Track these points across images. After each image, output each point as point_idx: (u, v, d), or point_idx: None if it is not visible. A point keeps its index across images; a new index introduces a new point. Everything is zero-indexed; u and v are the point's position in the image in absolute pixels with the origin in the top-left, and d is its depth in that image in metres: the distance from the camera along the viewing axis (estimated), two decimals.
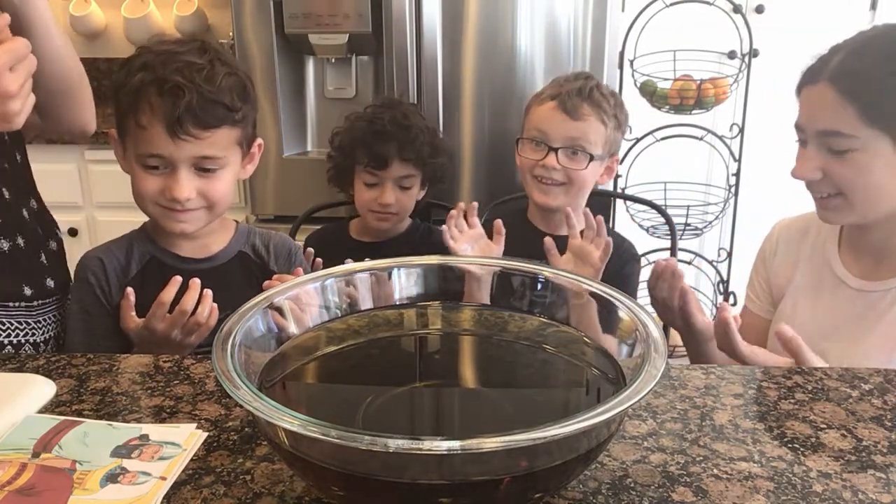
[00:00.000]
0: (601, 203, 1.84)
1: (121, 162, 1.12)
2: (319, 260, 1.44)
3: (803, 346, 0.96)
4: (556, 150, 1.36)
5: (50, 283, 1.13)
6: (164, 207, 1.08)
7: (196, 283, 1.02)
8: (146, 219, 1.17)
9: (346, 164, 1.58)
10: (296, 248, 1.23)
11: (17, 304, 1.07)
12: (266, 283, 1.05)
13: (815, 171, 1.04)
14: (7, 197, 1.09)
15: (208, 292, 1.02)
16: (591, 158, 1.36)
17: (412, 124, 1.52)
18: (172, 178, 1.05)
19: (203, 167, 1.06)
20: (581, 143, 1.36)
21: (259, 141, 1.16)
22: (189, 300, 1.01)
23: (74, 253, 1.20)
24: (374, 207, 1.54)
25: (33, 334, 1.09)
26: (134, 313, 1.04)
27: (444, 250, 1.62)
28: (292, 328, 0.73)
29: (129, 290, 1.05)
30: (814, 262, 1.18)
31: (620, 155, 2.34)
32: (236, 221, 1.23)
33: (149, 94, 1.02)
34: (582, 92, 1.37)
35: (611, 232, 1.48)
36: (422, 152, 1.52)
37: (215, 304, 1.03)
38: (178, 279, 1.02)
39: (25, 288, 1.08)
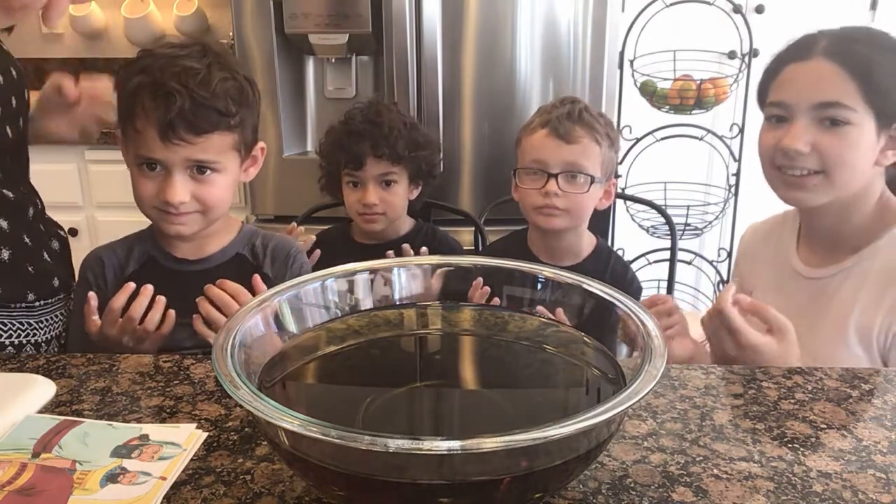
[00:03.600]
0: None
1: (126, 162, 1.13)
2: (317, 252, 1.45)
3: (759, 305, 0.99)
4: (555, 175, 1.35)
5: (56, 282, 1.13)
6: (160, 210, 1.08)
7: (148, 289, 1.02)
8: (148, 219, 1.17)
9: (332, 170, 1.58)
10: (295, 250, 1.23)
11: (18, 304, 1.07)
12: (206, 286, 1.04)
13: (806, 143, 1.06)
14: (12, 197, 1.09)
15: (160, 299, 1.02)
16: (592, 181, 1.36)
17: (384, 121, 1.51)
18: (167, 181, 1.06)
19: (199, 171, 1.06)
20: (579, 167, 1.35)
21: (261, 144, 1.16)
22: (138, 307, 1.01)
23: (75, 253, 1.20)
24: (360, 209, 1.54)
25: (35, 334, 1.09)
26: (96, 317, 1.04)
27: (449, 250, 1.63)
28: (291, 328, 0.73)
29: (91, 294, 1.05)
30: (776, 261, 1.22)
31: (620, 155, 2.35)
32: (243, 223, 1.23)
33: (143, 97, 1.02)
34: (571, 115, 1.36)
35: (616, 260, 1.48)
36: (396, 148, 1.50)
37: (172, 311, 1.03)
38: (131, 286, 1.02)
39: (29, 294, 1.08)
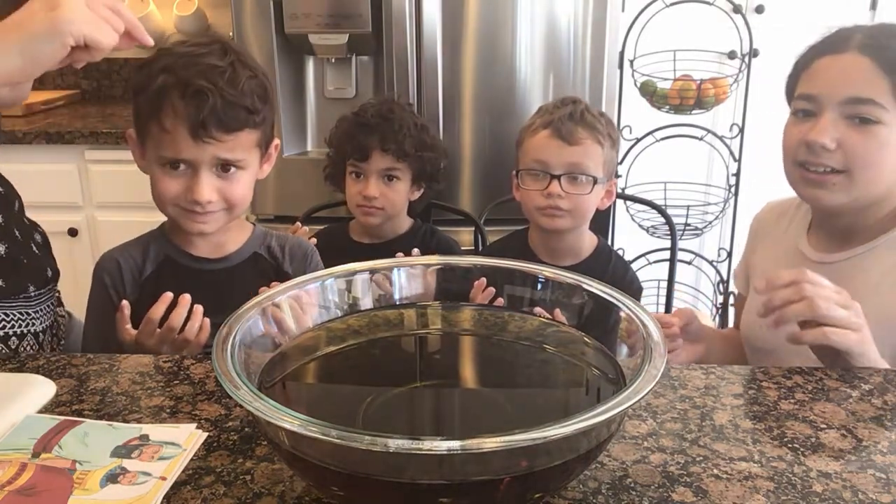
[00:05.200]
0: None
1: (139, 162, 1.12)
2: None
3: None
4: (558, 177, 1.35)
5: (49, 272, 1.13)
6: (184, 209, 1.08)
7: (186, 298, 1.01)
8: (148, 219, 1.17)
9: (338, 160, 1.59)
10: (311, 250, 1.23)
11: (17, 296, 1.08)
12: (261, 289, 1.04)
13: (833, 139, 1.02)
14: (1, 192, 1.09)
15: (198, 308, 1.02)
16: (595, 182, 1.36)
17: (395, 117, 1.52)
18: (194, 180, 1.05)
19: (224, 169, 1.07)
20: (581, 168, 1.35)
21: (276, 141, 1.17)
22: (177, 317, 1.00)
23: (75, 253, 1.20)
24: (360, 201, 1.54)
25: (33, 324, 1.09)
26: (129, 326, 1.04)
27: (447, 251, 1.63)
28: (291, 327, 0.73)
29: (125, 303, 1.05)
30: (784, 243, 1.20)
31: (620, 155, 2.35)
32: (254, 224, 1.23)
33: (171, 97, 1.02)
34: (573, 116, 1.36)
35: (616, 260, 1.48)
36: (404, 145, 1.51)
37: (207, 319, 1.02)
38: (169, 295, 1.02)
39: (30, 286, 1.09)
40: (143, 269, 1.14)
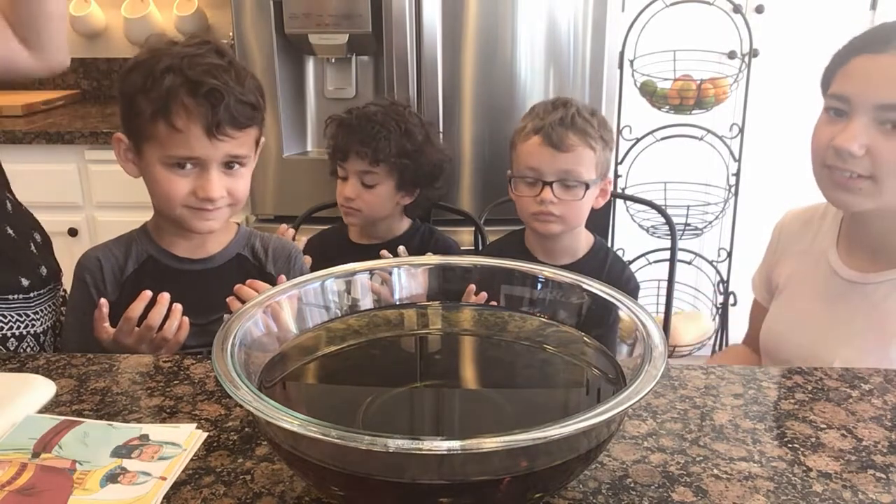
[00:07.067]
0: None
1: (127, 165, 1.11)
2: (308, 258, 1.45)
3: None
4: (550, 184, 1.35)
5: (43, 271, 1.13)
6: (193, 208, 1.08)
7: (165, 297, 1.01)
8: (147, 219, 1.17)
9: (333, 156, 1.59)
10: (296, 251, 1.23)
11: (15, 296, 1.08)
12: (237, 286, 1.04)
13: (861, 146, 0.97)
14: None
15: (177, 307, 1.02)
16: (587, 187, 1.36)
17: (377, 120, 1.50)
18: (203, 177, 1.06)
19: (229, 166, 1.08)
20: (574, 174, 1.35)
21: (262, 139, 1.17)
22: (156, 316, 1.00)
23: (75, 253, 1.20)
24: (342, 201, 1.55)
25: (33, 325, 1.09)
26: (107, 324, 1.03)
27: (446, 251, 1.63)
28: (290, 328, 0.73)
29: (103, 301, 1.04)
30: (812, 255, 1.16)
31: (620, 155, 2.35)
32: (238, 224, 1.23)
33: (180, 96, 1.02)
34: (564, 121, 1.35)
35: (613, 258, 1.47)
36: (379, 150, 1.49)
37: (186, 318, 1.02)
38: (148, 294, 1.01)
39: (23, 280, 1.09)
40: (125, 268, 1.14)
